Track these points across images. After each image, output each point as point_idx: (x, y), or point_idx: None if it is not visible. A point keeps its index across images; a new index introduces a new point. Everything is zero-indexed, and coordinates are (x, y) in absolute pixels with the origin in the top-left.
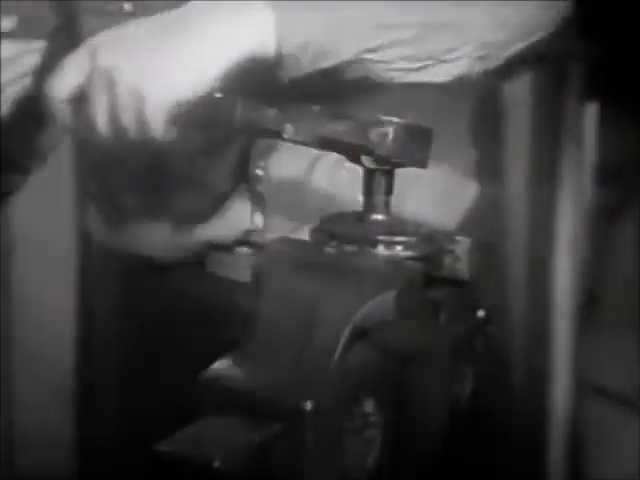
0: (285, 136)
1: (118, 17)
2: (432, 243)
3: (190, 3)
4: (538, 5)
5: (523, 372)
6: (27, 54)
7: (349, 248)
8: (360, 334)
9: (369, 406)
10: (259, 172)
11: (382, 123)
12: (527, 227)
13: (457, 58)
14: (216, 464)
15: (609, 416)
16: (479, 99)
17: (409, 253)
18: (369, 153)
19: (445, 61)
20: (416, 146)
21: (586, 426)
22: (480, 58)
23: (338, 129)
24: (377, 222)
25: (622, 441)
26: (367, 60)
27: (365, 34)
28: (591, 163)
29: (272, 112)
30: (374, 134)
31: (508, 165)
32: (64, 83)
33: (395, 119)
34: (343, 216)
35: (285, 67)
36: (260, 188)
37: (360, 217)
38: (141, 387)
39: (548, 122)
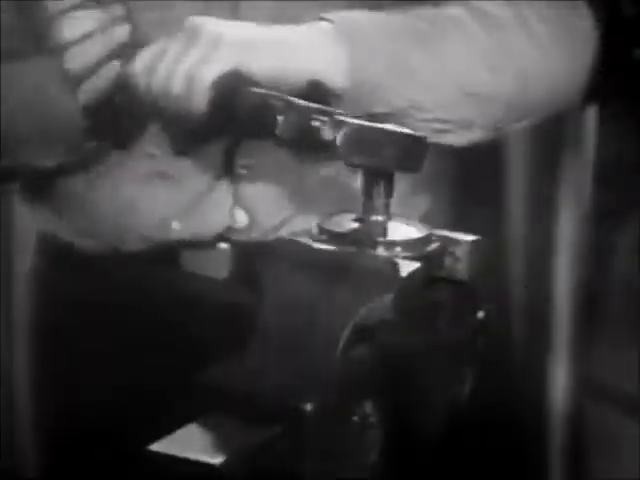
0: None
1: None
2: (432, 244)
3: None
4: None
5: (523, 372)
6: (114, 23)
7: (349, 249)
8: (360, 335)
9: (369, 407)
10: (243, 171)
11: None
12: (527, 227)
13: (480, 126)
14: (215, 465)
15: (609, 416)
16: None
17: (409, 254)
18: None
19: (469, 128)
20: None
21: (586, 426)
22: (500, 128)
23: None
24: (377, 223)
25: (623, 441)
26: (409, 114)
27: (419, 89)
28: (591, 163)
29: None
30: None
31: (508, 166)
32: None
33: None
34: (343, 217)
35: (343, 103)
36: (243, 185)
37: (360, 218)
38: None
39: (548, 122)
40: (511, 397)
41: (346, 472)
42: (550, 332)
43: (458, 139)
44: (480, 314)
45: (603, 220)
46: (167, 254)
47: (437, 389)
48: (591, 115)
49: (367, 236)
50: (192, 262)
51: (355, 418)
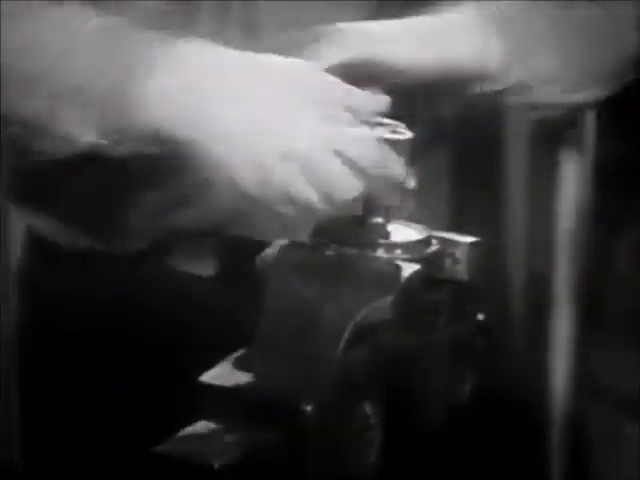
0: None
1: None
2: (431, 245)
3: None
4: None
5: (522, 372)
6: None
7: (349, 251)
8: (360, 336)
9: (369, 407)
10: None
11: None
12: (527, 227)
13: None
14: (216, 466)
15: (610, 417)
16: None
17: (409, 256)
18: None
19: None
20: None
21: (586, 427)
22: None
23: None
24: (377, 225)
25: (623, 442)
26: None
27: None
28: (591, 164)
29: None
30: None
31: (508, 166)
32: None
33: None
34: (343, 219)
35: (497, 83)
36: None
37: (360, 220)
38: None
39: (548, 123)
40: (511, 397)
41: (346, 472)
42: (550, 332)
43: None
44: (480, 315)
45: (603, 220)
46: (159, 251)
47: (437, 390)
48: (591, 115)
49: (367, 238)
50: (183, 259)
51: (355, 420)
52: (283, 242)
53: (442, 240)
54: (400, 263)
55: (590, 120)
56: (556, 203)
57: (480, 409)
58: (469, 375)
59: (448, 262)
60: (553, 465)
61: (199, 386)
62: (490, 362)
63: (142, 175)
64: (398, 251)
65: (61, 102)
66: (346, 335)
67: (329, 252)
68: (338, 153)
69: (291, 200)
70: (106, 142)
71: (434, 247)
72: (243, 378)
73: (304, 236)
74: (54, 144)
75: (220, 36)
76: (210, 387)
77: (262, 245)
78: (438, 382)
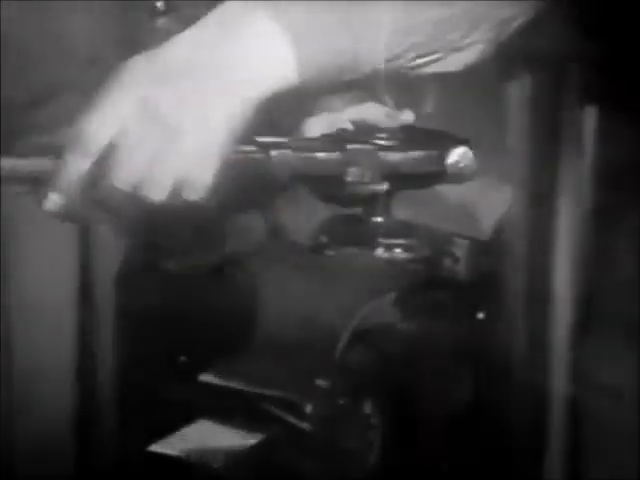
0: (349, 179)
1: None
2: (431, 245)
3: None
4: None
5: (522, 371)
6: None
7: (349, 250)
8: (360, 336)
9: (369, 407)
10: None
11: None
12: (527, 227)
13: (469, 45)
14: (216, 465)
15: (609, 416)
16: (479, 101)
17: (409, 255)
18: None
19: (458, 49)
20: None
21: (586, 426)
22: (489, 40)
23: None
24: (377, 224)
25: (622, 440)
26: (386, 66)
27: (383, 45)
28: (591, 163)
29: (333, 156)
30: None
31: (508, 166)
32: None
33: None
34: (343, 219)
35: (309, 91)
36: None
37: (360, 220)
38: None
39: (548, 122)
40: (510, 397)
41: (346, 472)
42: (550, 332)
43: (453, 64)
44: (480, 314)
45: (603, 220)
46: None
47: (437, 389)
48: (591, 115)
49: (367, 237)
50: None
51: (355, 419)
52: (284, 242)
53: (442, 239)
54: (400, 262)
55: (590, 120)
56: (556, 203)
57: (480, 409)
58: (469, 374)
59: (448, 261)
60: (553, 464)
61: (199, 385)
62: (490, 362)
63: None
64: (398, 250)
65: None
66: (346, 335)
67: (329, 252)
68: None
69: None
70: None
71: (434, 246)
72: (243, 378)
73: (304, 236)
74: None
75: None
76: (209, 387)
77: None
78: (438, 382)
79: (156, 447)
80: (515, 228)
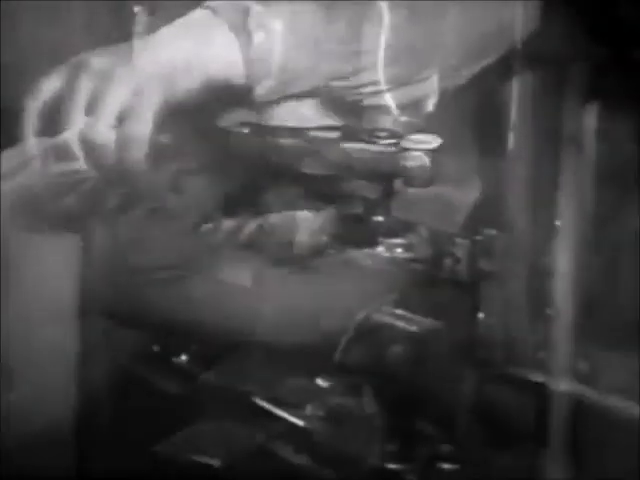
0: (305, 170)
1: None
2: (432, 245)
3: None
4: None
5: (522, 371)
6: None
7: (350, 250)
8: (360, 336)
9: (369, 407)
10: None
11: None
12: (527, 227)
13: (421, 80)
14: (217, 466)
15: (609, 415)
16: (479, 101)
17: (410, 255)
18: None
19: (409, 84)
20: None
21: (585, 425)
22: (442, 79)
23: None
24: (378, 224)
25: (622, 441)
26: (336, 85)
27: (336, 61)
28: (591, 163)
29: (288, 142)
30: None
31: (508, 166)
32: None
33: None
34: (343, 219)
35: (256, 91)
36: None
37: (361, 219)
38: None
39: (548, 122)
40: (510, 397)
41: (346, 472)
42: (550, 332)
43: (403, 96)
44: (480, 314)
45: (603, 220)
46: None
47: (437, 389)
48: (591, 115)
49: (368, 237)
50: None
51: (355, 417)
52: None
53: (443, 239)
54: (401, 262)
55: (590, 120)
56: (556, 203)
57: (480, 409)
58: (469, 374)
59: (449, 261)
60: (553, 463)
61: (199, 385)
62: (490, 362)
63: None
64: (399, 250)
65: None
66: (347, 335)
67: (330, 251)
68: None
69: None
70: None
71: (435, 246)
72: (243, 378)
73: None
74: None
75: None
76: (210, 387)
77: None
78: (438, 382)
79: (158, 448)
80: (515, 228)
